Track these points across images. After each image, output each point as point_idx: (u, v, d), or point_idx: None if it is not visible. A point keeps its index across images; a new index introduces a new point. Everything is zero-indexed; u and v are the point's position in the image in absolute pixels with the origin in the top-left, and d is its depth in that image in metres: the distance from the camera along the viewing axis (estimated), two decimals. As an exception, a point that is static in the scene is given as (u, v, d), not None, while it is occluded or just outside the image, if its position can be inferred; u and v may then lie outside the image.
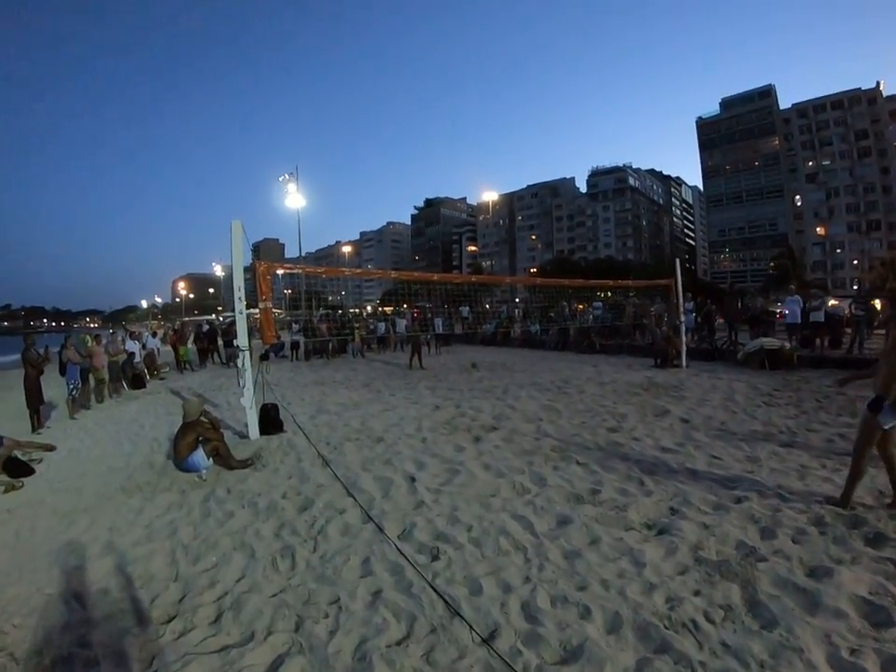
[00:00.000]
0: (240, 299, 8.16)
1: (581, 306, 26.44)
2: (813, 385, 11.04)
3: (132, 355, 16.73)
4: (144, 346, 18.82)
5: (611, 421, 8.46)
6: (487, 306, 34.91)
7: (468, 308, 29.16)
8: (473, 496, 5.44)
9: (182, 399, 13.00)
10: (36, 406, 10.84)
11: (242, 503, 5.61)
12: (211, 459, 6.82)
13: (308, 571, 4.08)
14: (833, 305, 17.45)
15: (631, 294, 26.60)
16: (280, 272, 8.75)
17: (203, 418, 7.19)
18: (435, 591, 3.68)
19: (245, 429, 8.57)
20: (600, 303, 25.59)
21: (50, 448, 8.65)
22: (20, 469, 7.40)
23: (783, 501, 4.89)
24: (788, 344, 15.13)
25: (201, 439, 6.85)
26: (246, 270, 8.51)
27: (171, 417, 10.33)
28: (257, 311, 8.60)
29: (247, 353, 8.16)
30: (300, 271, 8.84)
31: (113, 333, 16.91)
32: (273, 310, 8.32)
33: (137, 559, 4.47)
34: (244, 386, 8.06)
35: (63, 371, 12.27)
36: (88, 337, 15.43)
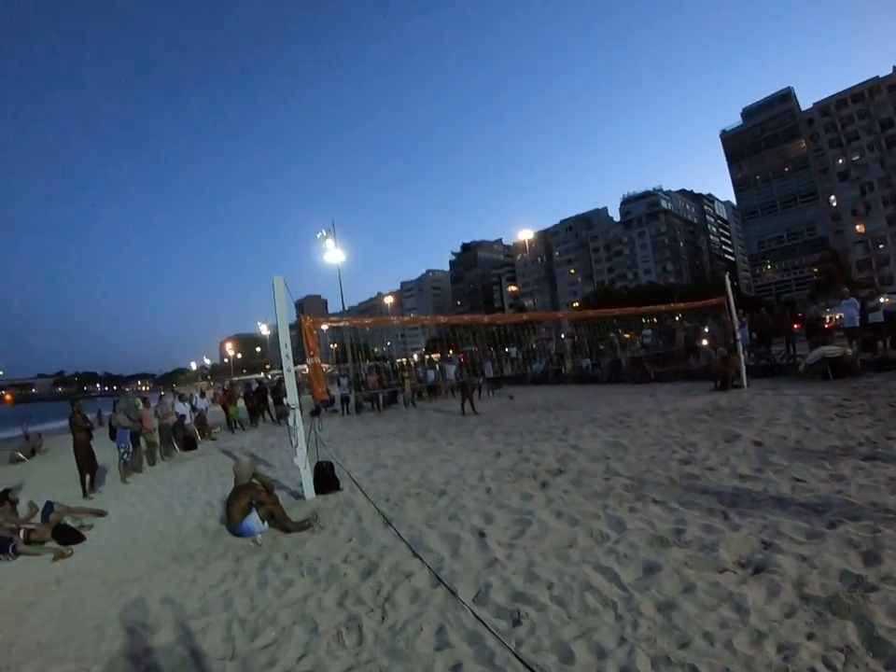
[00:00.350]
0: (287, 356, 7.89)
1: (627, 336, 25.98)
2: (883, 390, 10.64)
3: (182, 417, 16.72)
4: (194, 408, 18.82)
5: (682, 452, 7.96)
6: (533, 345, 34.35)
7: (515, 349, 28.80)
8: (549, 548, 4.95)
9: (234, 458, 12.81)
10: (88, 471, 10.77)
11: (301, 570, 5.24)
12: (266, 523, 6.48)
13: (377, 645, 3.69)
14: (887, 303, 16.90)
15: (678, 317, 26.03)
16: (325, 326, 8.52)
17: (255, 480, 6.91)
18: (521, 661, 3.26)
19: (299, 489, 8.24)
20: (649, 330, 25.01)
21: (101, 514, 8.50)
22: (70, 537, 7.26)
23: (880, 521, 4.49)
24: (849, 350, 14.48)
25: (254, 502, 6.53)
26: (291, 327, 8.26)
27: (223, 479, 10.07)
28: (304, 367, 8.34)
29: (298, 410, 7.87)
30: (345, 323, 8.61)
31: (162, 396, 16.89)
32: (322, 365, 8.04)
33: (191, 634, 4.18)
34: (296, 445, 7.74)
35: (113, 436, 12.24)
36: (138, 400, 15.48)
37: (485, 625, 3.74)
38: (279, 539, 6.30)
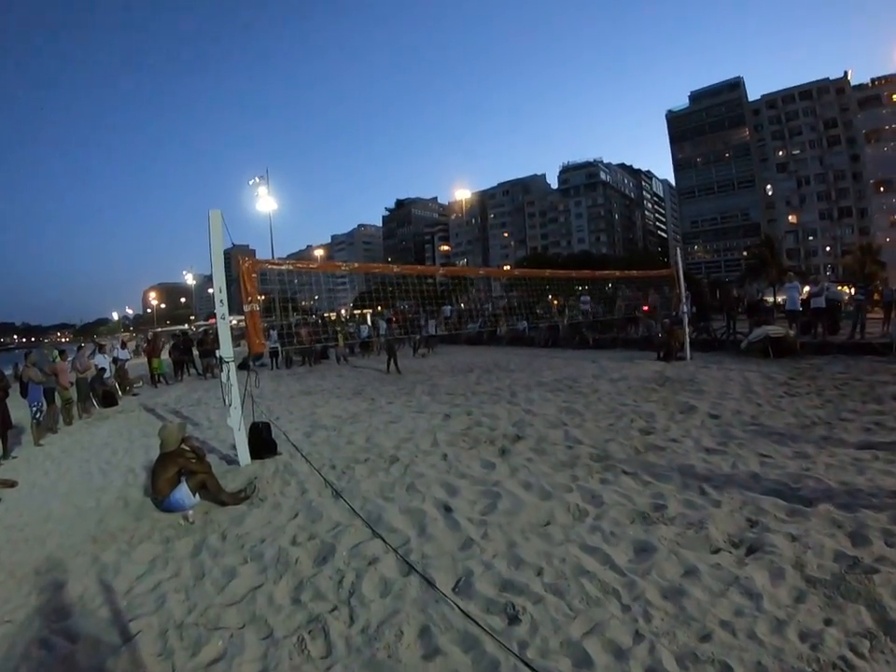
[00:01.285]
0: (221, 301, 6.94)
1: (556, 301, 25.88)
2: (826, 373, 10.88)
3: (102, 370, 15.48)
4: (115, 360, 17.56)
5: (640, 421, 7.85)
6: (462, 304, 33.98)
7: (450, 307, 28.32)
8: (526, 525, 4.57)
9: (158, 417, 11.84)
10: (2, 432, 9.64)
11: (243, 554, 4.50)
12: (197, 495, 5.67)
13: (352, 656, 3.05)
14: (830, 290, 17.10)
15: (611, 285, 25.99)
16: (267, 268, 7.50)
17: (184, 446, 6.03)
18: (533, 670, 2.77)
19: (232, 453, 7.47)
20: (587, 297, 24.77)
21: (11, 484, 7.53)
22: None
23: (855, 499, 4.56)
24: (791, 332, 14.87)
25: (184, 472, 5.70)
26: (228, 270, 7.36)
27: (146, 440, 9.24)
28: (233, 318, 7.33)
29: (233, 364, 7.01)
30: (289, 267, 7.50)
31: (81, 348, 15.53)
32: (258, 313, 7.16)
33: (117, 652, 3.32)
34: (230, 405, 6.88)
35: (24, 393, 11.04)
36: (55, 352, 14.25)
37: (479, 625, 3.18)
38: (213, 515, 5.50)
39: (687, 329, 15.02)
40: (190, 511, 5.49)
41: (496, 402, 10.18)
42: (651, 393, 10.01)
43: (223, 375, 6.93)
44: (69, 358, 13.93)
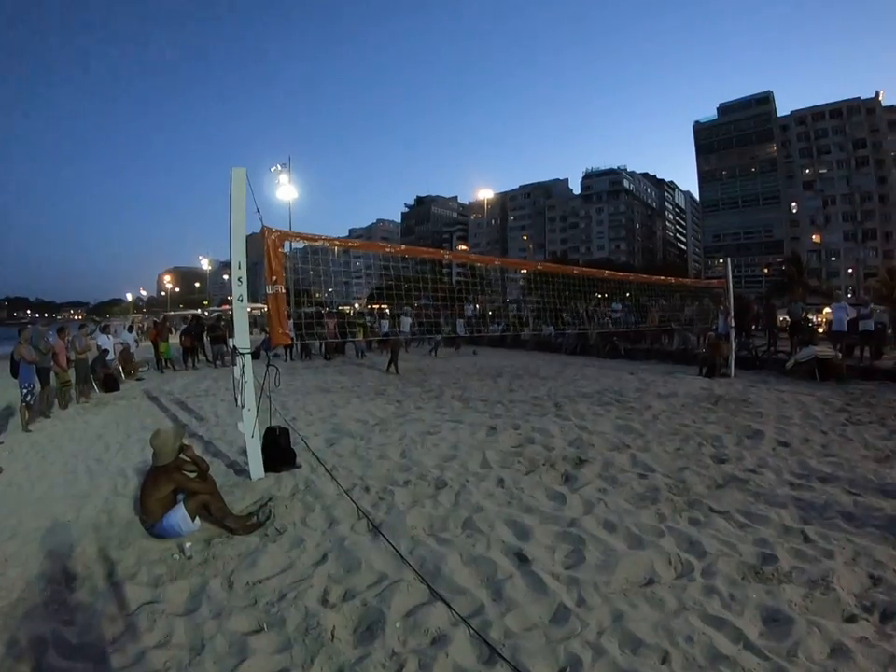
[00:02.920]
0: (239, 280, 5.70)
1: (588, 304, 24.97)
2: (882, 400, 10.13)
3: (105, 351, 14.39)
4: (120, 342, 16.50)
5: (708, 447, 6.95)
6: (476, 305, 32.98)
7: (471, 307, 27.26)
8: (626, 584, 3.63)
9: (161, 407, 10.70)
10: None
11: (256, 616, 3.31)
12: (197, 519, 4.51)
13: None
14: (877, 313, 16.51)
15: (628, 294, 24.96)
16: (298, 241, 6.18)
17: (182, 456, 4.81)
18: None
19: (241, 459, 6.35)
20: (619, 304, 23.59)
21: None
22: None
23: None
24: (839, 354, 14.00)
25: (180, 490, 4.54)
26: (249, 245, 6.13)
27: (144, 435, 8.04)
28: (248, 306, 5.84)
29: (248, 358, 5.76)
30: (324, 242, 6.11)
31: (82, 327, 14.40)
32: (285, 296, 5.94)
33: None
34: (242, 405, 5.69)
35: (15, 373, 9.91)
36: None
37: None
38: (217, 548, 4.29)
39: (732, 345, 14.17)
40: (188, 545, 4.28)
41: (542, 415, 9.09)
42: (707, 413, 9.10)
43: (236, 370, 5.69)
44: (68, 337, 12.82)
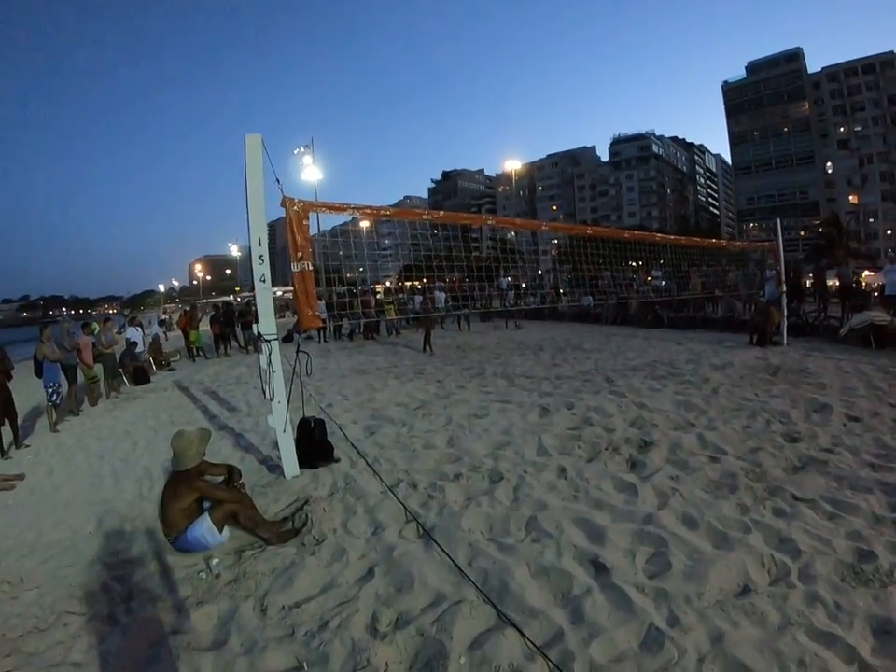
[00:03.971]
0: (261, 259, 5.10)
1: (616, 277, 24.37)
2: None
3: (133, 344, 14.07)
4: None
5: (777, 423, 6.32)
6: (510, 278, 32.26)
7: (506, 280, 26.60)
8: (720, 594, 3.11)
9: (191, 398, 10.31)
10: (9, 421, 8.24)
11: (294, 651, 2.80)
12: (225, 530, 4.00)
13: None
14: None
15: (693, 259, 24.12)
16: (324, 212, 5.50)
17: (207, 462, 4.32)
18: None
19: (274, 454, 5.82)
20: (660, 272, 22.77)
21: (10, 484, 6.06)
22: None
23: None
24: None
25: (206, 500, 4.04)
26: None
27: (173, 429, 7.60)
28: (277, 290, 5.16)
29: (276, 344, 5.19)
30: (353, 211, 5.45)
31: (108, 321, 14.08)
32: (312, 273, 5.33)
33: None
34: (272, 398, 5.13)
35: (39, 372, 9.58)
36: (95, 325, 12.93)
37: None
38: (248, 563, 3.77)
39: (785, 311, 13.35)
40: (215, 561, 3.77)
41: (595, 392, 8.43)
42: (769, 385, 8.44)
43: (263, 359, 5.14)
44: (100, 330, 12.52)
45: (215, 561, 3.77)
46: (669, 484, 4.64)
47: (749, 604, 2.97)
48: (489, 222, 7.92)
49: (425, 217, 6.45)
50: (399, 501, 4.55)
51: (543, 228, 11.10)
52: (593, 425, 6.55)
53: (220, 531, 3.92)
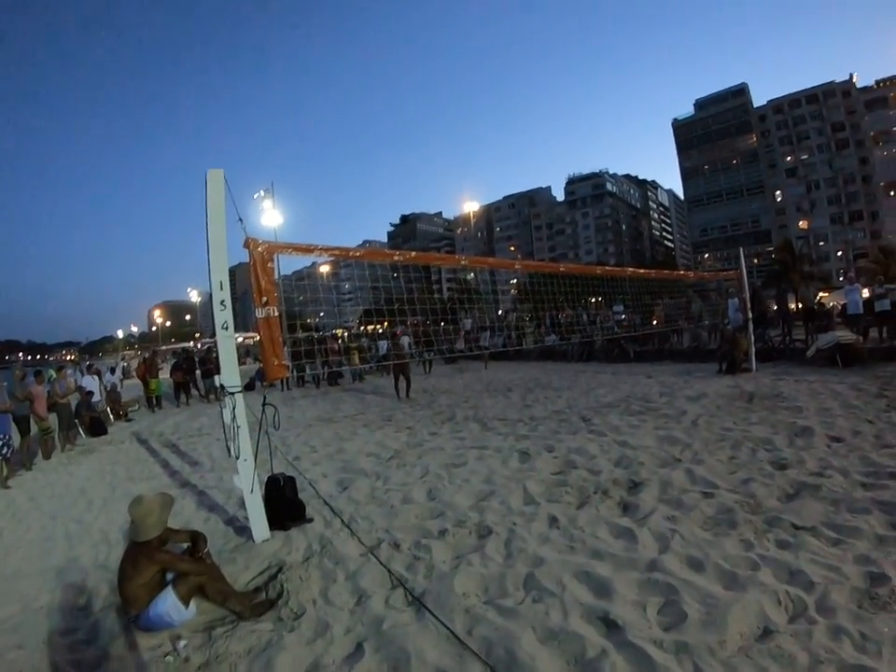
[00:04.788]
0: (222, 305, 4.71)
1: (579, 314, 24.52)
2: None
3: (89, 394, 13.50)
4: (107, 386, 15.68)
5: (762, 451, 6.31)
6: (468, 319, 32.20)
7: (470, 321, 26.48)
8: (741, 641, 2.91)
9: (150, 451, 9.84)
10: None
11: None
12: (192, 605, 3.58)
13: None
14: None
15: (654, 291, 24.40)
16: (290, 254, 5.08)
17: (169, 529, 3.89)
18: None
19: (241, 514, 5.45)
20: (621, 306, 22.86)
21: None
22: None
23: None
24: (860, 338, 13.78)
25: (169, 573, 3.65)
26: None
27: (131, 486, 7.40)
28: (238, 336, 4.72)
29: (240, 398, 4.76)
30: (320, 253, 5.07)
31: (61, 369, 13.52)
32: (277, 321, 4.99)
33: None
34: (237, 457, 4.70)
35: (-11, 422, 9.07)
36: (52, 371, 12.35)
37: None
38: (220, 643, 3.35)
39: (752, 337, 13.49)
40: (182, 642, 3.36)
41: (573, 432, 8.24)
42: (746, 413, 8.46)
43: (226, 413, 4.72)
44: (46, 382, 11.95)
45: (183, 643, 3.36)
46: (667, 526, 4.45)
47: (774, 647, 2.80)
48: (463, 262, 7.69)
49: (396, 258, 6.18)
50: (383, 565, 4.19)
51: (517, 267, 10.92)
52: (577, 468, 6.30)
53: (186, 606, 3.51)
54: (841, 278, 64.49)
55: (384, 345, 21.41)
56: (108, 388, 15.74)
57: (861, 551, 3.69)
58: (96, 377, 15.32)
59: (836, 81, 77.81)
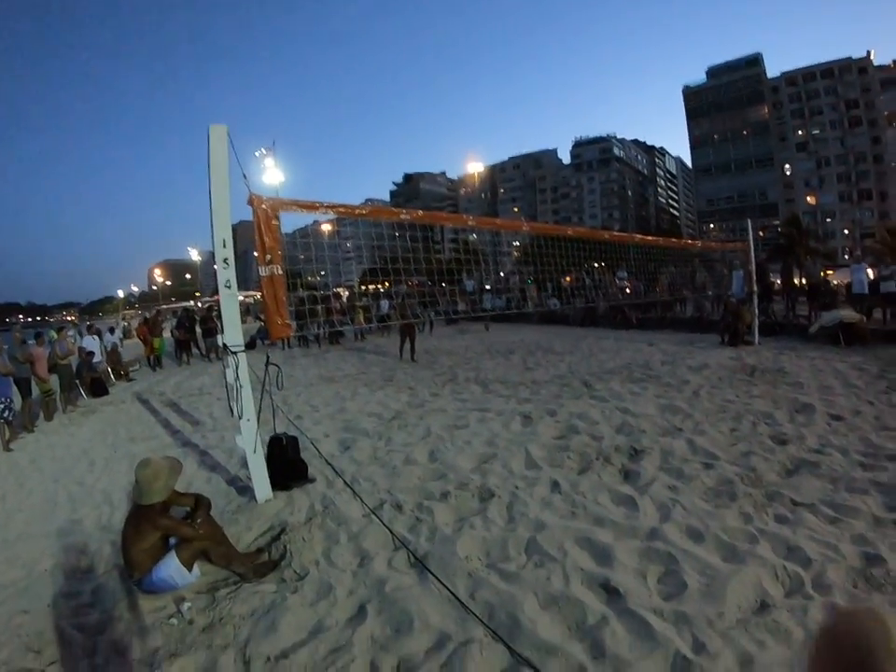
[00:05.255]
0: (225, 262, 4.66)
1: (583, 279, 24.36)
2: None
3: (90, 354, 13.45)
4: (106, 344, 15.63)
5: (763, 426, 6.26)
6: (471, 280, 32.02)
7: (472, 283, 26.38)
8: (739, 612, 2.95)
9: (151, 411, 9.84)
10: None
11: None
12: (195, 568, 3.59)
13: None
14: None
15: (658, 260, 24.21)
16: (295, 210, 4.97)
17: (175, 492, 3.82)
18: None
19: (244, 474, 5.44)
20: (625, 273, 22.75)
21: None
22: None
23: None
24: (864, 318, 13.49)
25: (172, 537, 3.64)
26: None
27: (132, 447, 7.39)
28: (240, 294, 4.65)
29: (243, 357, 4.72)
30: (325, 210, 5.00)
31: (62, 330, 13.49)
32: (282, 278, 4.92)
33: None
34: (241, 417, 4.67)
35: (-13, 386, 9.04)
36: (53, 332, 12.27)
37: None
38: (224, 605, 3.36)
39: (756, 310, 13.51)
40: (187, 605, 3.37)
41: (575, 397, 8.24)
42: (748, 386, 8.44)
43: (229, 373, 4.68)
44: (47, 343, 11.91)
45: (187, 605, 3.36)
46: (668, 495, 4.47)
47: (771, 621, 2.82)
48: (470, 222, 7.57)
49: (403, 216, 6.08)
50: (385, 526, 4.20)
51: (525, 229, 10.78)
52: (579, 433, 6.31)
53: (190, 570, 3.52)
54: (847, 256, 63.92)
55: (385, 305, 21.44)
56: (109, 348, 15.69)
57: (858, 531, 3.72)
58: (97, 337, 15.24)
59: (853, 57, 75.86)
